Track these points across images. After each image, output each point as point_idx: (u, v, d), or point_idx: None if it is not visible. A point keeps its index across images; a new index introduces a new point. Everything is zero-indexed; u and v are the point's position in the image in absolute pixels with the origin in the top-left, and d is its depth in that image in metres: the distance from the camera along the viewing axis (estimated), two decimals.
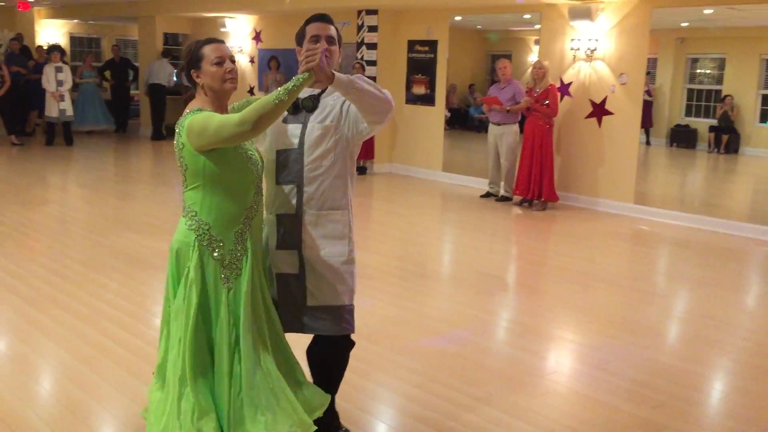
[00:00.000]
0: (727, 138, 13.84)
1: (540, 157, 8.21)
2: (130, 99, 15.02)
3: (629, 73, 8.12)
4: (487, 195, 8.93)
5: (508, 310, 5.15)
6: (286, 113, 2.61)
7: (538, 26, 9.18)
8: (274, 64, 11.71)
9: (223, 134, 2.40)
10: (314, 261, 2.69)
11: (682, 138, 14.83)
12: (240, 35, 12.88)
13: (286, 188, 2.68)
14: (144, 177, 10.75)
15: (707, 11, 9.52)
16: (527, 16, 10.63)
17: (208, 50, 2.55)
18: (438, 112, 10.35)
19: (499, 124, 8.57)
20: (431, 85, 10.33)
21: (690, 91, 15.06)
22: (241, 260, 2.56)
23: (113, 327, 4.31)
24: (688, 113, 15.06)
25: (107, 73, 14.60)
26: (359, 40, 10.63)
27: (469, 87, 15.46)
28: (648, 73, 10.48)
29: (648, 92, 13.41)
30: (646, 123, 13.18)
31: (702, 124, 14.60)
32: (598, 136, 8.41)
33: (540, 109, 8.15)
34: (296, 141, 2.66)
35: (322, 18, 2.66)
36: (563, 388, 3.74)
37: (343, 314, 2.74)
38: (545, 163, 8.22)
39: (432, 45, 10.25)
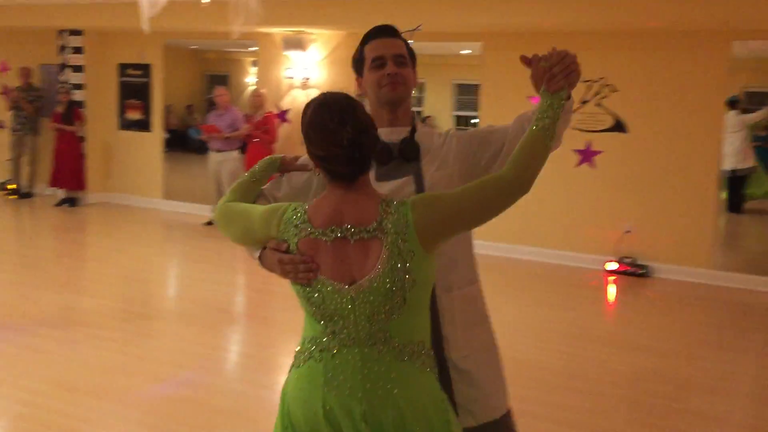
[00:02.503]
0: None
1: None
2: None
3: None
4: (209, 223, 8.86)
5: (238, 343, 5.18)
6: (374, 171, 1.92)
7: (254, 48, 9.34)
8: None
9: (493, 204, 1.67)
10: (462, 362, 1.95)
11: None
12: None
13: None
14: None
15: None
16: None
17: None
18: (155, 138, 10.03)
19: (219, 151, 8.56)
20: (146, 110, 9.97)
21: None
22: None
23: None
24: None
25: None
26: (63, 63, 9.88)
27: (187, 107, 15.17)
28: (360, 95, 11.20)
29: None
30: None
31: None
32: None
33: (260, 136, 8.31)
34: None
35: (385, 32, 1.98)
36: None
37: (510, 426, 2.08)
38: None
39: (145, 69, 9.90)
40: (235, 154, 8.61)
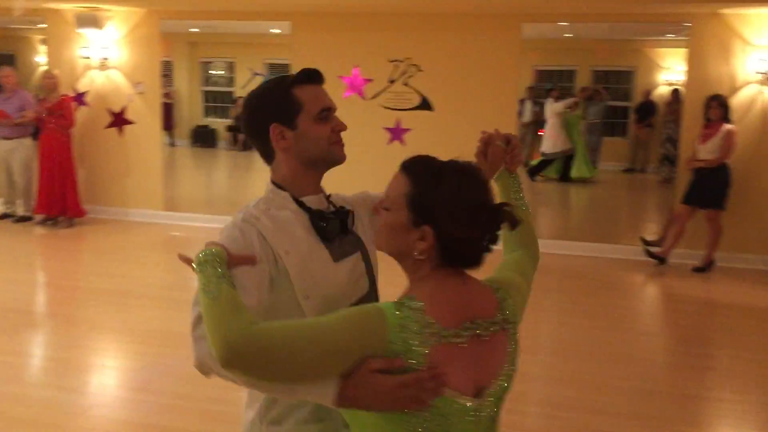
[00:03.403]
0: (243, 136, 15.02)
1: (61, 171, 7.75)
2: None
3: (146, 81, 8.19)
4: (4, 216, 8.07)
5: (40, 346, 4.78)
6: (327, 251, 1.62)
7: (44, 25, 8.58)
8: None
9: None
10: None
11: (204, 138, 15.58)
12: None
13: None
14: None
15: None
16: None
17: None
18: None
19: (8, 139, 7.78)
20: None
21: (206, 92, 15.88)
22: None
23: None
24: (207, 114, 15.88)
25: None
26: None
27: None
28: (165, 76, 10.71)
29: (167, 95, 13.71)
30: (169, 125, 13.48)
31: (220, 124, 15.56)
32: (121, 145, 8.29)
33: (54, 121, 7.67)
34: (365, 280, 1.70)
35: (320, 78, 1.67)
36: (106, 420, 3.66)
37: None
38: (67, 177, 7.80)
39: None
40: (26, 141, 7.88)
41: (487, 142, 1.79)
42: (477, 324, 1.35)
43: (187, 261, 1.46)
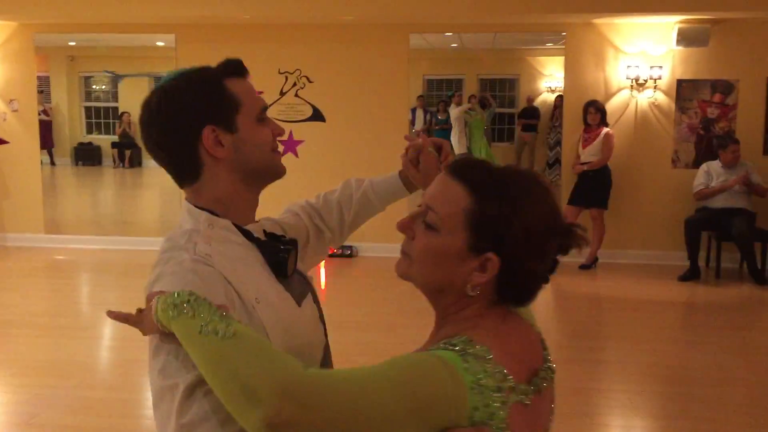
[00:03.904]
0: (130, 153, 14.50)
1: None
2: None
3: (20, 99, 7.75)
4: None
5: None
6: (289, 294, 1.29)
7: None
8: None
9: None
10: None
11: (87, 156, 14.89)
12: None
13: None
14: None
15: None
16: None
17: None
18: None
19: None
20: None
21: (88, 108, 15.20)
22: None
23: None
24: (90, 130, 15.20)
25: None
26: None
27: None
28: (41, 92, 10.18)
29: (45, 112, 13.04)
30: (48, 144, 12.82)
31: (105, 140, 14.91)
32: None
33: None
34: (321, 327, 1.40)
35: (245, 70, 1.34)
36: None
37: None
38: None
39: None
40: None
41: (418, 150, 1.53)
42: (541, 375, 1.09)
43: (124, 318, 1.15)
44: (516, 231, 1.04)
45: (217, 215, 1.25)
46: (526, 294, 1.11)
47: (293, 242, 1.35)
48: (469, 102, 12.49)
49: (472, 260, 1.06)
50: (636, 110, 7.16)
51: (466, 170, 1.09)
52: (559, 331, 5.59)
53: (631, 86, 7.10)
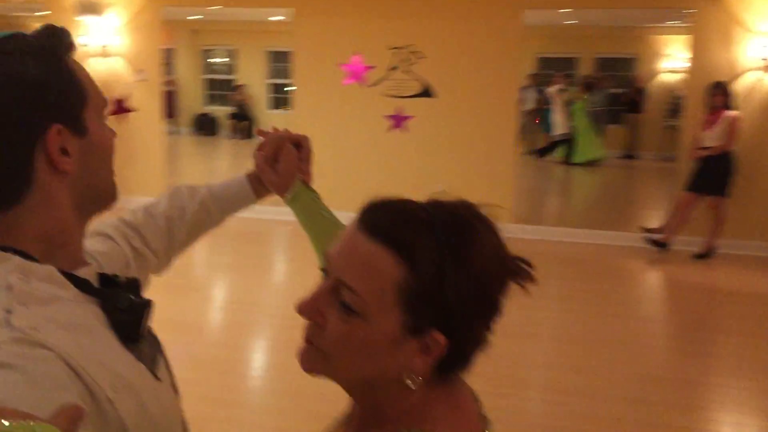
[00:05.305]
0: (244, 124, 15.03)
1: None
2: None
3: (147, 69, 8.18)
4: None
5: None
6: (143, 367, 0.94)
7: (44, 12, 8.55)
8: None
9: None
10: None
11: (206, 126, 15.57)
12: None
13: None
14: None
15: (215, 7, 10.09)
16: None
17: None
18: None
19: None
20: None
21: (207, 80, 15.84)
22: None
23: None
24: (208, 102, 15.86)
25: None
26: None
27: None
28: (167, 64, 10.69)
29: (169, 83, 13.70)
30: (170, 114, 13.48)
31: (222, 112, 15.54)
32: (123, 133, 8.29)
33: None
34: (177, 398, 1.06)
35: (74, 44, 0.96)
36: None
37: None
38: None
39: None
40: None
41: (278, 146, 1.26)
42: None
43: None
44: (463, 294, 0.79)
45: (34, 260, 0.84)
46: (469, 360, 0.87)
47: (132, 282, 0.98)
48: (573, 85, 12.29)
49: (410, 343, 0.80)
50: (766, 93, 6.72)
51: (389, 227, 0.79)
52: (670, 321, 5.39)
53: (762, 67, 6.66)
